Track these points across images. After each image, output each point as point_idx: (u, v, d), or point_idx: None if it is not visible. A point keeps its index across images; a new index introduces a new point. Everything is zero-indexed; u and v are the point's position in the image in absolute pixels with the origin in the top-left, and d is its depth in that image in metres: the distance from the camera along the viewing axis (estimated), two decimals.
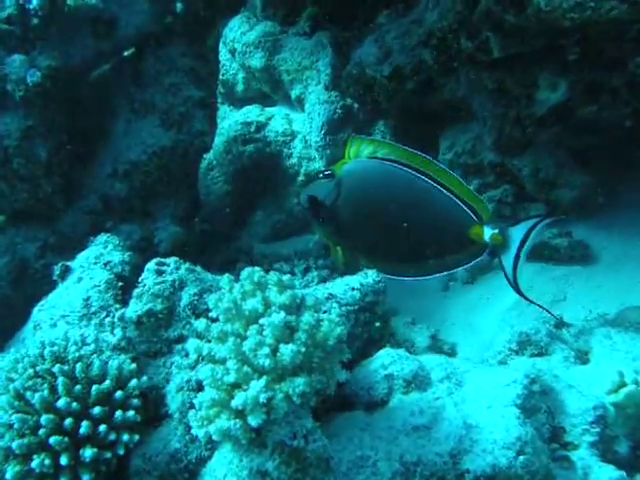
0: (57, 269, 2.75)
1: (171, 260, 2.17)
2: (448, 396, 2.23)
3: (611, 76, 3.02)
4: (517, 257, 2.47)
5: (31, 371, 2.00)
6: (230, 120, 4.53)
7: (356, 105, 4.13)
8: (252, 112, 4.56)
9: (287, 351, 1.85)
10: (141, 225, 3.23)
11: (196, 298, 2.11)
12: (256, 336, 1.89)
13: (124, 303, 2.67)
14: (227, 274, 2.07)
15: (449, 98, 3.45)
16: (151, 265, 2.17)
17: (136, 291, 2.15)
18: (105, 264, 2.73)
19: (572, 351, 2.56)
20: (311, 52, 4.35)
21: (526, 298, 2.57)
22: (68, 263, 2.76)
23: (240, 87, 4.84)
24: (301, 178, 4.31)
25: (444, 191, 2.45)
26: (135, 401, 2.00)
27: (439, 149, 4.00)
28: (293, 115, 4.55)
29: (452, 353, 3.20)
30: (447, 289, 3.63)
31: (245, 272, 2.03)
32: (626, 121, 3.07)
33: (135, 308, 2.11)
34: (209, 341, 1.94)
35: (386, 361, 2.27)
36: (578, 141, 3.53)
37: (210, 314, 2.00)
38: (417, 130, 4.14)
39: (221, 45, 4.79)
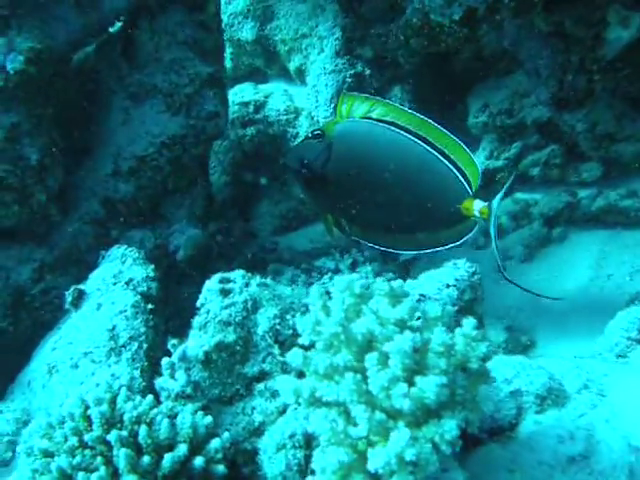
0: (69, 295, 2.27)
1: (237, 274, 1.68)
2: (593, 411, 1.79)
3: None
4: (495, 225, 2.28)
5: (75, 440, 1.49)
6: None
7: (368, 71, 3.65)
8: (245, 91, 4.04)
9: (429, 386, 1.39)
10: (153, 230, 2.71)
11: (277, 322, 1.61)
12: (382, 369, 1.41)
13: (157, 329, 2.18)
14: (315, 286, 1.60)
15: (491, 49, 2.98)
16: (212, 284, 1.68)
17: (197, 320, 1.65)
18: (127, 283, 2.25)
19: None
20: (309, 17, 3.85)
21: (507, 279, 2.38)
22: (81, 287, 2.26)
23: (228, 64, 4.30)
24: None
25: (440, 158, 2.29)
26: (220, 468, 1.49)
27: (468, 112, 3.55)
28: (293, 90, 4.05)
29: (531, 345, 2.76)
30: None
31: (342, 282, 1.57)
32: None
33: (200, 342, 1.61)
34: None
35: (508, 374, 1.83)
36: (638, 86, 3.09)
37: (300, 340, 1.52)
38: (439, 93, 3.68)
39: None
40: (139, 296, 2.19)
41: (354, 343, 1.48)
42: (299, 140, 3.50)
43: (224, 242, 2.94)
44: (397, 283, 1.59)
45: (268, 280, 1.69)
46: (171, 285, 2.66)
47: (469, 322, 1.56)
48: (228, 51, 4.25)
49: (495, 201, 2.26)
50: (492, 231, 2.26)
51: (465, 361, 1.47)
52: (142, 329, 2.09)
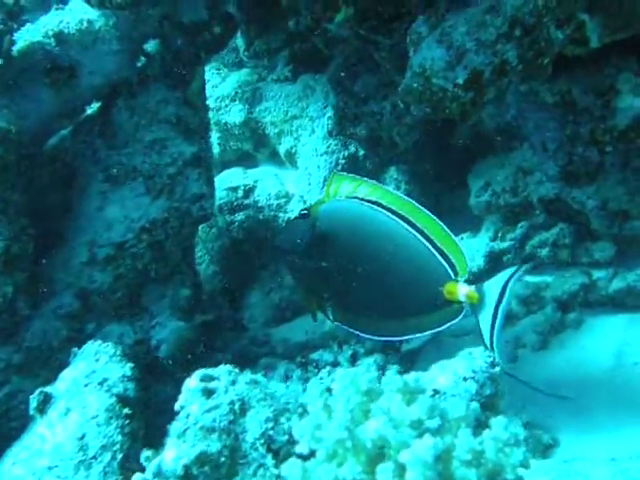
0: (34, 399, 2.00)
1: (222, 371, 1.44)
2: None
3: None
4: (495, 316, 2.14)
5: None
6: None
7: (361, 152, 3.48)
8: (234, 176, 3.86)
9: None
10: (133, 324, 2.46)
11: (270, 426, 1.36)
12: None
13: (135, 436, 1.92)
14: (314, 381, 1.37)
15: (496, 123, 2.81)
16: (193, 383, 1.43)
17: (175, 427, 1.39)
18: (100, 384, 1.99)
19: None
20: (299, 98, 3.72)
21: (506, 372, 2.08)
22: (48, 389, 2.01)
23: (215, 149, 4.14)
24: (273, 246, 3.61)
25: (422, 240, 2.21)
26: None
27: (470, 191, 3.36)
28: (284, 174, 3.87)
29: (554, 444, 2.48)
30: (515, 360, 2.92)
31: (345, 377, 1.33)
32: None
33: (178, 454, 1.35)
34: None
35: None
36: None
37: (297, 449, 1.27)
38: (438, 172, 3.51)
39: None
40: (114, 398, 1.94)
41: (363, 451, 1.23)
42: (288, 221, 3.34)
43: (211, 336, 2.69)
44: (412, 377, 1.35)
45: (259, 376, 1.45)
46: (153, 385, 2.40)
47: (499, 422, 1.31)
48: (215, 135, 4.10)
49: (488, 284, 2.16)
50: (481, 320, 2.13)
51: (499, 471, 1.22)
52: (117, 437, 1.83)
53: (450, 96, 1.96)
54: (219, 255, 3.74)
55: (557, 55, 2.30)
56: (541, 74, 2.02)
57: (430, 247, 2.20)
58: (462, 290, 2.13)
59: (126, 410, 1.90)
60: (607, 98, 2.51)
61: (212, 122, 3.97)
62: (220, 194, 3.65)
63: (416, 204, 2.27)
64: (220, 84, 3.90)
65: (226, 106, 3.85)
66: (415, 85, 1.99)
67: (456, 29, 1.95)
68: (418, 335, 2.29)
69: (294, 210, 3.66)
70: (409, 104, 2.04)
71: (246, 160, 4.11)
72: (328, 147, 3.49)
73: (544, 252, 3.20)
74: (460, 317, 2.16)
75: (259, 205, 3.65)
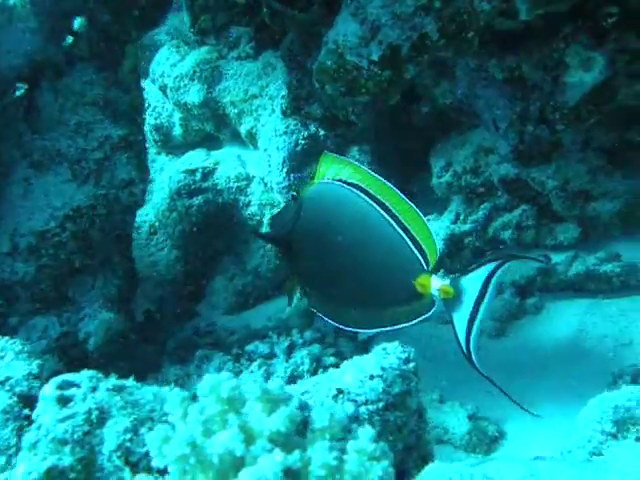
0: None
1: (83, 376, 1.32)
2: None
3: None
4: (473, 316, 1.98)
5: None
6: (170, 171, 3.69)
7: (322, 132, 3.35)
8: (196, 158, 3.74)
9: None
10: (60, 316, 2.35)
11: (129, 437, 1.25)
12: None
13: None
14: (177, 389, 1.26)
15: (445, 102, 2.67)
16: (49, 390, 1.32)
17: (26, 438, 1.29)
18: (2, 383, 1.87)
19: None
20: (259, 76, 3.58)
21: (483, 374, 2.03)
22: None
23: (178, 131, 4.02)
24: (265, 229, 3.48)
25: (396, 227, 2.07)
26: None
27: (432, 172, 3.23)
28: (246, 155, 3.75)
29: (500, 436, 2.38)
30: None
31: (206, 383, 1.22)
32: None
33: (29, 468, 1.25)
34: None
35: None
36: (613, 137, 2.78)
37: (153, 464, 1.16)
38: (402, 151, 3.38)
39: (149, 83, 3.99)
40: (15, 398, 1.82)
41: (210, 468, 1.12)
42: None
43: (151, 326, 2.59)
44: (275, 383, 1.24)
45: (126, 382, 1.34)
46: None
47: (366, 433, 1.20)
48: (177, 116, 3.98)
49: (466, 279, 1.99)
50: (456, 318, 1.99)
51: None
52: (12, 440, 1.72)
53: (365, 74, 1.82)
54: (180, 240, 3.64)
55: (504, 30, 2.17)
56: (466, 49, 1.88)
57: (404, 235, 2.08)
58: (435, 284, 1.99)
59: (26, 411, 1.79)
60: (556, 73, 2.36)
61: (172, 102, 3.86)
62: (178, 177, 3.54)
63: (394, 189, 2.15)
64: (179, 63, 3.76)
65: (185, 86, 3.71)
66: (329, 63, 1.86)
67: (371, 2, 1.81)
68: (388, 329, 2.14)
69: (255, 193, 3.55)
70: (324, 83, 1.91)
71: (210, 141, 3.99)
72: (287, 127, 3.36)
73: (507, 234, 3.07)
74: (431, 312, 2.04)
75: (218, 188, 3.54)
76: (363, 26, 1.82)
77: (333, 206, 2.24)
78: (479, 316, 2.00)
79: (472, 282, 1.99)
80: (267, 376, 2.30)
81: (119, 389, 1.31)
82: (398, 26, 1.79)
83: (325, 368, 2.31)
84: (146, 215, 3.82)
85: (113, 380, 1.32)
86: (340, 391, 1.60)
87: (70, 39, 2.47)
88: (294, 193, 2.40)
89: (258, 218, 3.50)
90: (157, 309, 2.76)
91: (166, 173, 3.74)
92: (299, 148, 3.33)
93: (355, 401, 1.56)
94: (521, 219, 3.03)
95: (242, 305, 3.61)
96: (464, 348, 2.01)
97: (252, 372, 2.29)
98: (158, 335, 2.70)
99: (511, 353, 2.72)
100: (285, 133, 3.35)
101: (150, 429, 1.26)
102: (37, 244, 2.31)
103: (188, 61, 3.70)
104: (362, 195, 2.16)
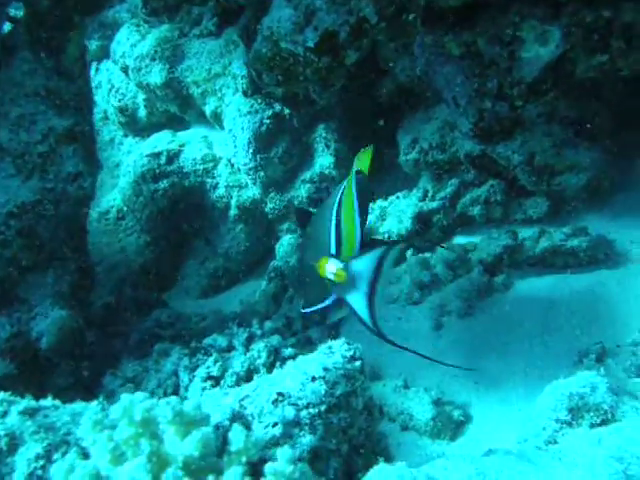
0: None
1: None
2: None
3: (620, 10, 2.19)
4: (371, 294, 1.96)
5: None
6: (135, 154, 3.61)
7: (287, 110, 3.27)
8: (161, 140, 3.67)
9: None
10: (10, 316, 2.30)
11: (41, 464, 1.20)
12: None
13: None
14: (95, 402, 1.21)
15: (403, 79, 2.59)
16: None
17: None
18: None
19: None
20: (221, 54, 3.49)
21: (395, 344, 1.98)
22: None
23: (142, 112, 3.93)
24: (234, 212, 3.42)
25: (333, 219, 2.07)
26: None
27: (399, 148, 3.16)
28: (213, 136, 3.67)
29: (465, 421, 2.34)
30: (440, 327, 2.75)
31: (119, 404, 1.16)
32: None
33: None
34: None
35: None
36: (577, 110, 2.71)
37: None
38: (368, 129, 3.30)
39: (111, 63, 3.90)
40: None
41: None
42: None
43: (112, 319, 2.53)
44: (191, 403, 1.19)
45: (42, 403, 1.28)
46: (34, 380, 2.25)
47: (284, 454, 1.15)
48: (141, 97, 3.89)
49: (356, 262, 1.96)
50: (351, 300, 1.95)
51: None
52: None
53: (302, 61, 1.74)
54: (148, 225, 3.58)
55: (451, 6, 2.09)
56: (408, 32, 1.80)
57: (332, 217, 2.08)
58: (330, 267, 1.93)
59: None
60: (512, 48, 2.28)
61: (135, 84, 3.77)
62: (142, 161, 3.47)
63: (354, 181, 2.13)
64: (139, 42, 3.65)
65: (146, 66, 3.61)
66: (264, 50, 1.77)
67: None
68: (305, 311, 2.10)
69: (222, 175, 3.48)
70: (260, 72, 1.82)
71: (177, 122, 3.90)
72: (252, 107, 3.28)
73: (476, 210, 3.01)
74: (331, 298, 1.98)
75: (184, 171, 3.47)
76: (297, 11, 1.74)
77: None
78: (375, 292, 1.97)
79: (364, 264, 1.97)
80: (222, 372, 2.25)
81: (32, 412, 1.26)
82: (334, 10, 1.70)
83: (284, 360, 2.26)
84: (114, 200, 3.76)
85: (26, 402, 1.27)
86: (281, 395, 1.55)
87: (7, 27, 2.38)
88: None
89: (226, 200, 3.43)
90: (118, 300, 2.70)
91: (132, 156, 3.66)
92: (264, 128, 3.26)
93: (296, 405, 1.52)
94: (489, 194, 2.97)
95: (215, 288, 3.57)
96: (368, 323, 1.95)
97: (208, 367, 2.24)
98: (120, 328, 2.64)
99: (479, 333, 2.67)
100: (249, 113, 3.28)
101: (64, 454, 1.22)
102: None
103: (148, 40, 3.60)
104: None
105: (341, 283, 1.92)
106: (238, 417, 1.40)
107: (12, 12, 2.40)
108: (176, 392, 2.29)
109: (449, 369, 2.48)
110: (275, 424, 1.43)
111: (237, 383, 2.18)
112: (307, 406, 1.52)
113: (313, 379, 1.59)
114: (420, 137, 3.06)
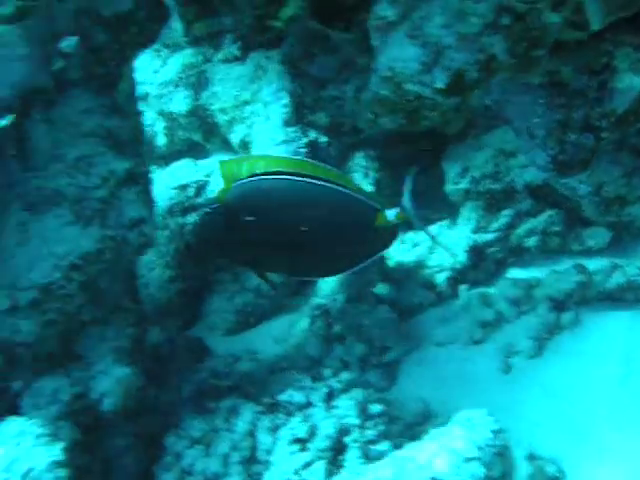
0: None
1: None
2: None
3: None
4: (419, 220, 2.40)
5: None
6: (158, 186, 3.41)
7: (323, 139, 3.12)
8: (183, 170, 3.47)
9: None
10: (69, 376, 2.10)
11: None
12: None
13: None
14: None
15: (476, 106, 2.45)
16: None
17: None
18: (24, 477, 1.65)
19: None
20: (249, 80, 3.31)
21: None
22: None
23: (162, 140, 3.71)
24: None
25: (340, 188, 2.25)
26: None
27: (445, 178, 3.02)
28: None
29: (560, 476, 2.18)
30: (508, 371, 2.62)
31: None
32: None
33: None
34: None
35: None
36: None
37: None
38: (410, 157, 3.15)
39: None
40: None
41: None
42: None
43: (161, 369, 2.35)
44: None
45: None
46: (97, 444, 2.06)
47: None
48: (161, 125, 3.69)
49: (405, 201, 2.29)
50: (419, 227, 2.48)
51: None
52: None
53: (429, 104, 1.59)
54: (174, 260, 3.39)
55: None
56: (534, 68, 1.67)
57: (349, 192, 2.26)
58: (390, 216, 2.29)
59: None
60: (603, 78, 2.16)
61: (156, 112, 3.58)
62: (169, 194, 3.28)
63: (311, 161, 2.33)
64: (161, 68, 3.46)
65: (170, 93, 3.43)
66: (385, 93, 1.62)
67: (430, 20, 1.57)
68: (360, 266, 2.38)
69: None
70: (379, 115, 1.67)
71: (196, 150, 3.71)
72: (287, 135, 3.12)
73: (532, 241, 2.89)
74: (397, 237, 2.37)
75: None
76: (425, 49, 1.59)
77: (271, 194, 2.28)
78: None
79: (407, 203, 2.29)
80: (310, 434, 2.07)
81: None
82: (463, 47, 1.56)
83: (372, 418, 2.10)
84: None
85: None
86: None
87: (60, 62, 2.18)
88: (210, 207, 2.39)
89: None
90: (163, 346, 2.52)
91: (153, 187, 3.46)
92: (300, 156, 3.11)
93: None
94: (547, 225, 2.85)
95: (242, 325, 3.39)
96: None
97: (292, 429, 2.07)
98: (170, 379, 2.45)
99: (557, 374, 2.54)
100: (284, 142, 3.12)
101: None
102: (41, 298, 2.05)
103: (172, 66, 3.42)
104: (293, 177, 2.24)
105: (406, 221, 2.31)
106: None
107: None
108: (254, 455, 2.11)
109: (536, 419, 2.36)
110: None
111: (330, 447, 2.01)
112: None
113: (467, 460, 1.44)
114: (471, 165, 2.91)
